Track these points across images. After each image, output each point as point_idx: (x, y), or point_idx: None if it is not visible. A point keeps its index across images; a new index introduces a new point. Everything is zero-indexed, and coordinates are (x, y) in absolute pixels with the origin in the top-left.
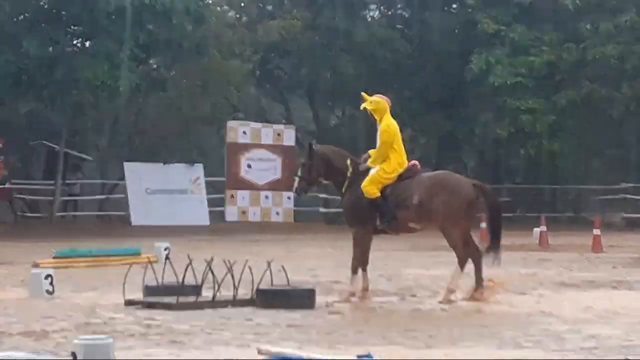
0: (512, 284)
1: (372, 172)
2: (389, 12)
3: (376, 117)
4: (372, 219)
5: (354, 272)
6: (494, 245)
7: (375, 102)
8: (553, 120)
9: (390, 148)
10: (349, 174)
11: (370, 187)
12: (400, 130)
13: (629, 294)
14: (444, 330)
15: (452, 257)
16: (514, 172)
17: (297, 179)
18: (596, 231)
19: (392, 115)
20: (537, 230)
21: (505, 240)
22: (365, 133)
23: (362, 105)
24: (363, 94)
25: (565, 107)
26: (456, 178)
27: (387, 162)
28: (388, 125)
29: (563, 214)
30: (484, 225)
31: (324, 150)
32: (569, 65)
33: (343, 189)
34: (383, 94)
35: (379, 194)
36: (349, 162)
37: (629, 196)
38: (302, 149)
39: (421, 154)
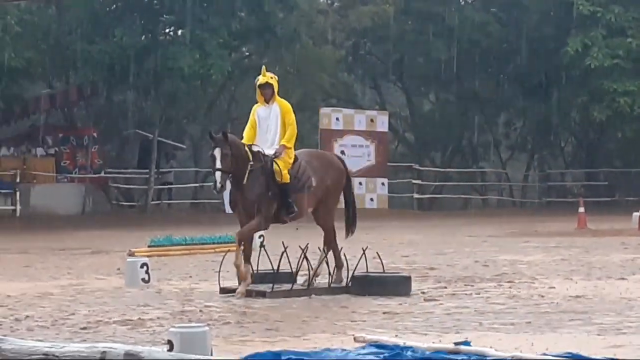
0: (611, 269)
1: (282, 156)
2: None
3: (275, 92)
4: (273, 207)
5: (248, 261)
6: (353, 224)
7: (275, 79)
8: None
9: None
10: (250, 162)
11: (285, 172)
12: (496, 115)
13: None
14: (541, 316)
15: (548, 242)
16: (612, 156)
17: (219, 173)
18: None
19: (486, 100)
20: (636, 214)
21: (604, 225)
22: (459, 118)
23: (264, 79)
24: (263, 67)
25: None
26: (332, 154)
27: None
28: (290, 106)
29: None
30: (581, 210)
31: (235, 138)
32: None
33: (245, 179)
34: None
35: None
36: (247, 149)
37: None
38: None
39: (517, 138)
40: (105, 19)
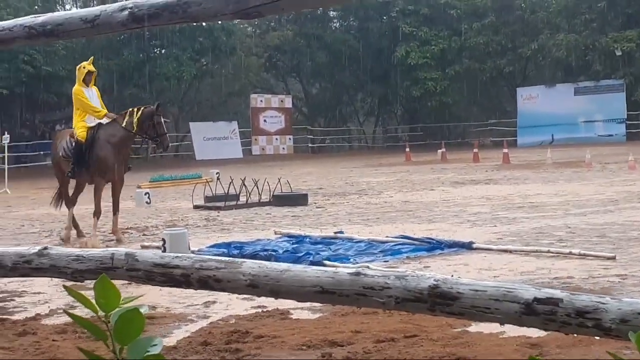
0: (425, 184)
1: None
2: None
3: (93, 79)
4: None
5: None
6: None
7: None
8: None
9: None
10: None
11: None
12: (356, 95)
13: (495, 187)
14: (385, 214)
15: (388, 169)
16: (425, 117)
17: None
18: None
19: (350, 86)
20: (439, 151)
21: (420, 158)
22: (334, 98)
23: (93, 67)
24: (91, 57)
25: None
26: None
27: None
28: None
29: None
30: (407, 150)
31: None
32: None
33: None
34: None
35: None
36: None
37: None
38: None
39: (368, 108)
40: (116, 43)
